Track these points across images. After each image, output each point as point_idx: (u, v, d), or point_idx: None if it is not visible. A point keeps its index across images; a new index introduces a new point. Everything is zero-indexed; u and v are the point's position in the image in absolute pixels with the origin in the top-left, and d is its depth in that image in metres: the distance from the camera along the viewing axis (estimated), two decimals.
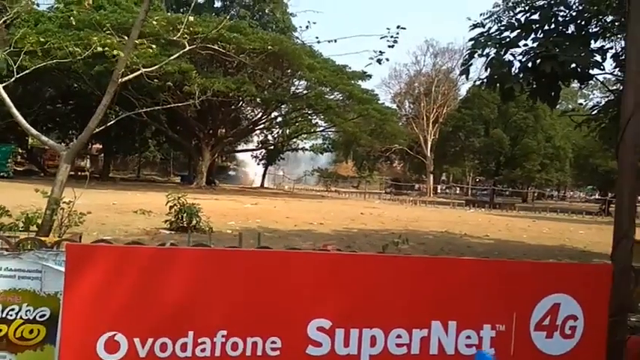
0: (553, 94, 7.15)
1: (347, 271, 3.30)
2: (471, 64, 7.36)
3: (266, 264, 3.20)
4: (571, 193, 71.01)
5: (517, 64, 7.17)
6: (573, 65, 6.76)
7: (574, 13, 7.32)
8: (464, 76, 8.79)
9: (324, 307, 3.22)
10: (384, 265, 3.49)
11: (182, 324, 3.02)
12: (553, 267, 4.06)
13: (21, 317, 3.02)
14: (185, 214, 12.28)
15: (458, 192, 63.85)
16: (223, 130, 42.62)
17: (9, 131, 34.58)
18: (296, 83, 39.99)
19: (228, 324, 3.07)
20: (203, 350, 3.02)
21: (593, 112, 9.51)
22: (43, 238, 3.84)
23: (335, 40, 8.63)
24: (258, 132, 48.00)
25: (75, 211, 5.52)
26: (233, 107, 39.31)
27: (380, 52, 8.31)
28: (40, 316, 3.06)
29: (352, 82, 37.66)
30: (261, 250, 3.38)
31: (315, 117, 43.07)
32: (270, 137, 49.71)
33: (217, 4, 45.29)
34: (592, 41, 7.33)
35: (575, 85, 9.29)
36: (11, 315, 3.01)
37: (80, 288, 2.89)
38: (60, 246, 3.45)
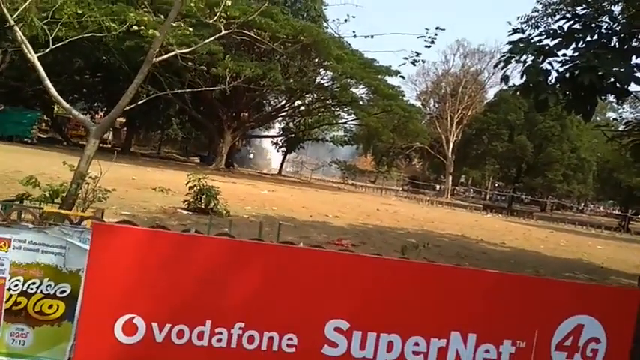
0: (589, 107, 6.98)
1: (369, 273, 3.26)
2: (508, 69, 7.20)
3: (288, 260, 3.17)
4: (591, 206, 69.92)
5: (554, 74, 7.00)
6: (612, 79, 6.58)
7: (617, 27, 7.11)
8: (493, 80, 8.62)
9: (343, 308, 3.18)
10: (407, 270, 3.44)
11: (201, 312, 3.01)
12: (579, 287, 3.97)
13: (41, 291, 3.03)
14: (204, 196, 12.31)
15: (476, 195, 63.25)
16: (246, 114, 42.65)
17: (35, 98, 35.02)
18: (322, 73, 39.77)
19: (246, 316, 3.05)
20: (219, 340, 3.01)
21: (627, 128, 9.29)
22: (67, 212, 3.83)
23: (372, 36, 8.51)
24: (280, 119, 47.98)
25: (100, 187, 5.55)
26: (257, 92, 39.23)
27: (417, 53, 8.16)
28: (61, 292, 3.06)
29: (379, 76, 37.37)
30: (285, 246, 3.35)
31: (338, 109, 42.87)
32: (291, 125, 49.66)
33: None
34: (634, 57, 7.12)
35: (610, 99, 9.08)
36: (32, 288, 3.02)
37: (103, 267, 2.89)
38: (83, 222, 3.44)
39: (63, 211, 3.70)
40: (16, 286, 3.01)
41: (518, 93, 7.40)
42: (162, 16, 5.70)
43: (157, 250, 2.94)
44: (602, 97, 7.28)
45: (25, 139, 33.35)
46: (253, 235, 6.06)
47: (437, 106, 61.65)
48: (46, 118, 40.84)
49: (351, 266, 3.24)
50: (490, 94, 57.97)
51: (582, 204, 67.22)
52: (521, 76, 6.90)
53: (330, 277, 3.19)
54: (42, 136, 40.07)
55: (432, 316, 3.31)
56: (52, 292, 3.06)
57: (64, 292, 3.08)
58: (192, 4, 6.20)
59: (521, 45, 6.83)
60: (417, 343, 3.25)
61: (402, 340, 3.24)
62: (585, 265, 13.75)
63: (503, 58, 7.06)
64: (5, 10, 5.15)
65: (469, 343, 3.31)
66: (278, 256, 3.16)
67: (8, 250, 3.02)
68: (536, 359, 3.38)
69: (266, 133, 52.26)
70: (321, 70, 38.98)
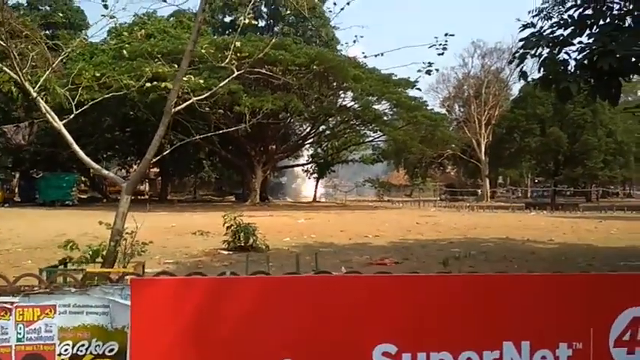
0: (613, 90, 6.81)
1: (410, 292, 3.21)
2: (525, 65, 7.10)
3: (326, 290, 3.16)
4: (638, 189, 67.54)
5: (572, 63, 6.88)
6: (633, 60, 6.42)
7: (630, 5, 6.96)
8: (516, 76, 8.50)
9: (389, 331, 3.13)
10: (449, 285, 3.37)
11: (246, 354, 3.01)
12: (630, 278, 3.81)
13: (91, 352, 3.08)
14: (242, 234, 12.43)
15: (517, 195, 61.91)
16: (274, 147, 43.16)
17: (72, 161, 36.25)
18: (342, 95, 40.09)
19: (293, 352, 3.03)
20: None
21: None
22: (107, 270, 3.92)
23: (382, 54, 8.55)
24: (307, 146, 48.31)
25: (137, 241, 5.67)
26: (282, 124, 39.77)
27: (429, 63, 8.11)
28: (109, 351, 3.11)
29: (399, 89, 37.37)
30: (320, 276, 3.34)
31: (363, 127, 42.94)
32: (319, 150, 49.92)
33: (261, 24, 46.17)
34: None
35: (636, 78, 8.83)
36: (81, 350, 3.07)
37: (146, 321, 2.94)
38: (124, 279, 3.51)
39: (103, 270, 3.79)
40: (66, 350, 3.07)
41: (537, 87, 7.27)
42: (176, 66, 5.85)
43: (195, 297, 2.97)
44: (626, 79, 7.10)
45: (67, 202, 34.48)
46: (293, 266, 6.07)
47: (462, 110, 61.05)
48: (83, 178, 42.20)
49: (391, 287, 3.21)
50: (515, 90, 57.12)
51: (628, 188, 64.99)
52: (539, 70, 6.80)
53: (371, 302, 3.15)
54: (82, 196, 41.35)
55: (481, 328, 3.22)
56: (100, 352, 3.11)
57: (112, 350, 3.12)
58: (202, 51, 6.38)
59: (533, 39, 6.75)
60: (469, 358, 3.16)
61: (454, 357, 3.15)
62: None
63: (517, 55, 6.97)
64: (27, 84, 5.41)
65: (523, 352, 3.20)
66: (315, 288, 3.15)
67: (54, 316, 3.09)
68: (596, 359, 3.24)
69: (296, 162, 52.62)
70: (340, 92, 39.28)
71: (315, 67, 24.82)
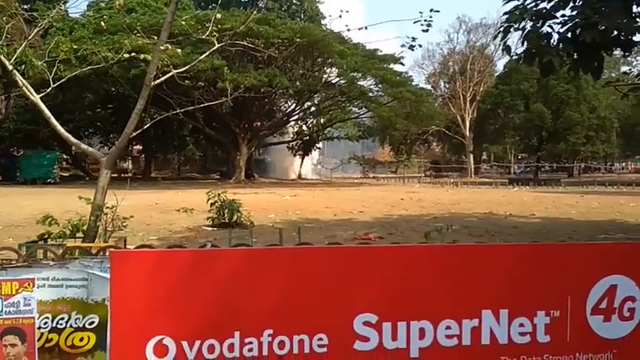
0: (596, 64, 6.82)
1: (390, 263, 3.23)
2: (509, 39, 7.08)
3: (307, 261, 3.17)
4: (619, 164, 68.55)
5: (555, 36, 6.86)
6: (616, 33, 6.43)
7: None
8: (500, 52, 8.49)
9: (369, 301, 3.16)
10: (429, 255, 3.40)
11: (228, 324, 3.02)
12: (606, 247, 3.88)
13: (71, 325, 3.07)
14: (226, 210, 12.40)
15: (500, 171, 62.48)
16: (258, 124, 42.87)
17: (53, 138, 35.72)
18: (327, 71, 39.78)
19: (274, 322, 3.05)
20: (250, 350, 3.02)
21: (639, 80, 9.06)
22: (87, 245, 3.90)
23: (365, 28, 8.47)
24: (292, 123, 48.08)
25: (118, 216, 5.62)
26: (267, 100, 39.44)
27: (413, 38, 8.03)
28: (90, 324, 3.10)
29: (384, 65, 37.20)
30: (301, 247, 3.35)
31: (348, 104, 42.78)
32: (304, 127, 49.73)
33: None
34: (634, 6, 6.94)
35: (618, 53, 8.86)
36: (61, 324, 3.06)
37: (126, 293, 2.93)
38: (105, 252, 3.49)
39: (83, 244, 3.76)
40: (45, 323, 3.06)
41: (521, 61, 7.27)
42: (156, 39, 5.73)
43: (176, 269, 2.97)
44: (609, 53, 7.12)
45: (48, 180, 34.05)
46: (277, 241, 6.08)
47: (447, 86, 61.14)
48: (65, 156, 41.66)
49: (371, 258, 3.22)
50: (500, 66, 57.19)
51: (610, 163, 65.90)
52: (522, 43, 6.79)
53: (352, 272, 3.17)
54: (64, 174, 40.87)
55: (460, 297, 3.26)
56: (81, 325, 3.10)
57: (92, 323, 3.12)
58: (183, 23, 6.26)
59: (517, 12, 6.71)
60: (448, 327, 3.21)
61: (434, 326, 3.20)
62: (620, 224, 13.47)
63: (501, 29, 6.95)
64: (2, 57, 5.27)
65: (502, 320, 3.26)
66: (296, 259, 3.16)
67: (33, 289, 3.07)
68: (573, 326, 3.31)
69: (281, 139, 52.42)
70: (326, 68, 38.99)
71: (298, 40, 24.60)
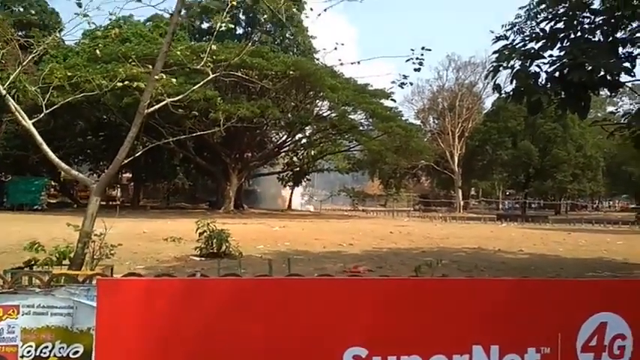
0: (583, 103, 6.97)
1: (381, 296, 3.21)
2: (498, 78, 7.23)
3: (297, 292, 3.14)
4: (606, 202, 69.21)
5: (543, 75, 7.02)
6: (602, 73, 6.59)
7: (599, 20, 7.15)
8: (489, 90, 8.64)
9: (359, 335, 3.12)
10: (419, 288, 3.39)
11: (217, 356, 2.96)
12: (597, 284, 3.89)
13: (54, 355, 3.01)
14: (215, 240, 12.29)
15: (489, 206, 62.80)
16: (249, 154, 42.94)
17: (42, 165, 35.45)
18: (319, 104, 40.18)
19: (263, 355, 3.00)
20: None
21: (625, 120, 9.23)
22: (74, 273, 3.84)
23: (358, 62, 8.48)
24: (283, 154, 48.20)
25: (106, 244, 5.55)
26: (258, 131, 39.63)
27: (404, 76, 8.14)
28: (74, 353, 3.04)
29: (375, 100, 37.64)
30: (291, 278, 3.32)
31: (339, 137, 43.05)
32: (295, 159, 49.84)
33: (239, 31, 46.03)
34: (620, 47, 7.14)
35: (604, 93, 9.05)
36: (45, 353, 3.00)
37: (112, 322, 2.87)
38: (91, 280, 3.44)
39: (70, 272, 3.70)
40: (28, 352, 2.99)
41: (510, 99, 7.41)
42: (151, 68, 5.77)
43: (164, 298, 2.92)
44: (595, 92, 7.28)
45: (36, 207, 33.68)
46: (266, 272, 6.02)
47: (436, 122, 61.89)
48: (53, 183, 41.33)
49: (361, 291, 3.20)
50: (487, 103, 58.22)
51: (596, 201, 66.53)
52: (511, 82, 6.93)
53: (342, 305, 3.14)
54: (51, 201, 40.45)
55: (451, 331, 3.23)
56: (65, 355, 3.04)
57: (77, 352, 3.06)
58: (178, 53, 6.33)
59: (506, 52, 6.87)
60: None
61: None
62: (607, 262, 13.52)
63: (490, 69, 7.09)
64: None
65: (492, 356, 3.23)
66: (285, 290, 3.13)
67: (17, 316, 3.01)
68: None
69: (271, 170, 52.43)
70: (317, 101, 39.38)
71: (291, 72, 24.88)
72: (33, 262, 4.71)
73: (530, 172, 47.96)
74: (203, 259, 11.94)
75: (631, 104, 34.18)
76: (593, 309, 3.36)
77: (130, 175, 48.62)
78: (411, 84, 9.02)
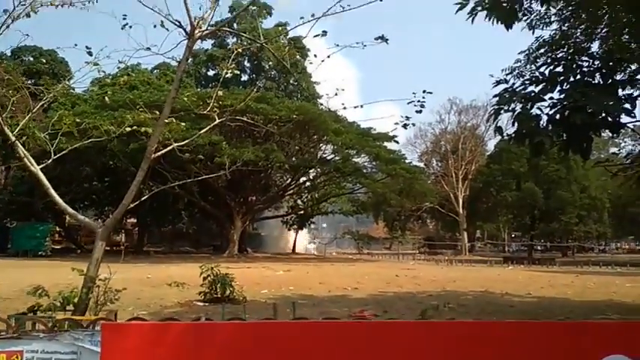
0: (585, 145, 7.02)
1: (387, 339, 3.18)
2: (500, 121, 7.32)
3: (302, 335, 3.11)
4: (613, 244, 68.51)
5: (545, 118, 7.10)
6: (603, 115, 6.67)
7: (598, 63, 7.29)
8: (491, 132, 8.74)
9: None
10: (425, 331, 3.36)
11: None
12: (607, 326, 3.84)
13: None
14: (219, 285, 12.20)
15: (495, 249, 62.22)
16: (253, 198, 43.00)
17: (47, 210, 35.59)
18: (323, 148, 40.50)
19: None
20: None
21: (628, 161, 9.27)
22: (78, 318, 3.81)
23: (361, 106, 8.64)
24: (287, 197, 48.25)
25: (110, 288, 5.53)
26: (263, 175, 39.85)
27: (406, 117, 8.29)
28: None
29: (378, 143, 37.95)
30: (297, 322, 3.29)
31: (343, 180, 43.19)
32: (299, 202, 49.86)
33: (244, 78, 46.96)
34: (619, 89, 7.24)
35: (606, 134, 9.12)
36: None
37: None
38: (96, 325, 3.41)
39: (74, 317, 3.68)
40: None
41: (512, 142, 7.48)
42: (158, 113, 5.88)
43: (169, 342, 2.90)
44: (597, 134, 7.34)
45: (40, 252, 33.58)
46: (271, 317, 5.95)
47: (439, 164, 62.09)
48: (58, 228, 41.32)
49: (367, 334, 3.17)
50: (490, 146, 58.48)
51: (603, 243, 65.87)
52: (513, 124, 7.01)
53: (347, 348, 3.11)
54: (56, 247, 40.35)
55: None
56: None
57: None
58: (185, 99, 6.47)
59: (507, 95, 6.98)
60: None
61: None
62: (616, 305, 13.30)
63: (492, 111, 7.19)
64: (6, 128, 5.38)
65: None
66: (291, 333, 3.10)
67: None
68: None
69: (275, 213, 52.38)
70: (321, 144, 39.71)
71: (295, 117, 25.26)
72: (37, 308, 4.68)
73: (535, 214, 47.74)
74: (207, 304, 11.83)
75: (633, 145, 34.30)
76: (603, 351, 3.31)
77: (135, 220, 48.64)
78: (414, 124, 9.17)
